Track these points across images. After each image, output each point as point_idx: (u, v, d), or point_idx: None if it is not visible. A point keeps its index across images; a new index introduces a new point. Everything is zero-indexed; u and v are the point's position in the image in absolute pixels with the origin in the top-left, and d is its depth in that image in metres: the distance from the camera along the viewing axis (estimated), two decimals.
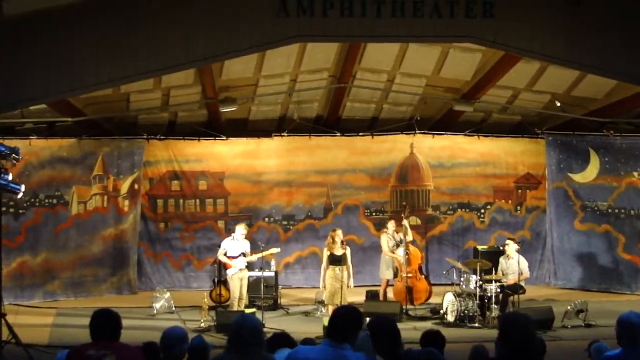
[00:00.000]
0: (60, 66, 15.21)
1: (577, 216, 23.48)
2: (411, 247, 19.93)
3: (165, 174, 23.29)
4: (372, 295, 19.86)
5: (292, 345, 8.53)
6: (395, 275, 19.93)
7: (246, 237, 18.79)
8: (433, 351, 6.54)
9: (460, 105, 21.93)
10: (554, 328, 17.10)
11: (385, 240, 20.01)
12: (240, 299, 18.20)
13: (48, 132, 21.34)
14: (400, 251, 19.63)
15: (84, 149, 21.92)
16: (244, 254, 18.36)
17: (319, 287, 19.16)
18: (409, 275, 19.45)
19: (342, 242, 18.30)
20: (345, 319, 6.71)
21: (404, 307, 18.54)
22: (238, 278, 18.22)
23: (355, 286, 18.89)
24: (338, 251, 18.22)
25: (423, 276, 20.30)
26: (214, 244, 21.79)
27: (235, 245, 18.44)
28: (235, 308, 17.99)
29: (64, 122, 20.74)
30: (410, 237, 20.00)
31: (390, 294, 19.94)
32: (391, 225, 20.22)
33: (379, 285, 20.29)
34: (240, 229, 18.57)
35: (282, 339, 8.81)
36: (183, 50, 15.43)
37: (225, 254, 18.42)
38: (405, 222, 19.90)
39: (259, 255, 18.58)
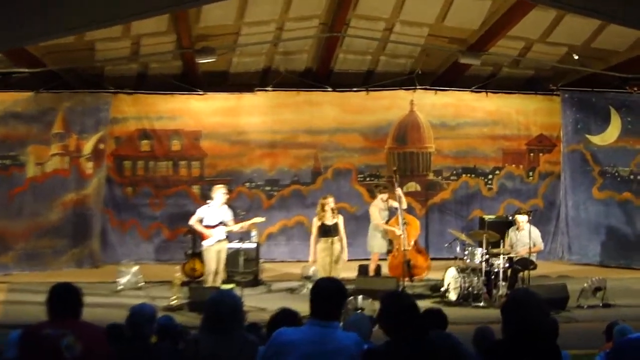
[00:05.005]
0: (17, 11, 15.05)
1: (595, 183, 23.51)
2: (409, 217, 19.88)
3: (134, 133, 23.23)
4: (365, 270, 19.86)
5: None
6: (390, 248, 19.88)
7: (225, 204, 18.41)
8: (450, 336, 6.45)
9: (467, 57, 21.85)
10: (568, 308, 17.11)
11: (377, 211, 19.75)
12: (216, 273, 17.92)
13: (2, 85, 21.22)
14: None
15: (42, 104, 21.83)
16: (223, 223, 18.00)
17: (305, 261, 19.09)
18: (408, 248, 19.43)
19: (333, 210, 18.12)
20: (328, 293, 6.61)
21: (400, 283, 18.53)
22: (215, 250, 17.87)
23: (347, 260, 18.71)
24: (329, 221, 18.00)
25: (423, 248, 20.35)
26: (187, 212, 21.65)
27: (213, 212, 17.95)
28: (209, 284, 17.78)
29: (20, 73, 20.66)
30: (405, 205, 19.70)
31: (385, 269, 19.89)
32: (383, 196, 19.83)
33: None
34: (220, 194, 18.04)
35: (287, 317, 8.52)
36: None
37: (200, 222, 17.97)
38: (398, 189, 19.65)
39: (241, 225, 18.42)
